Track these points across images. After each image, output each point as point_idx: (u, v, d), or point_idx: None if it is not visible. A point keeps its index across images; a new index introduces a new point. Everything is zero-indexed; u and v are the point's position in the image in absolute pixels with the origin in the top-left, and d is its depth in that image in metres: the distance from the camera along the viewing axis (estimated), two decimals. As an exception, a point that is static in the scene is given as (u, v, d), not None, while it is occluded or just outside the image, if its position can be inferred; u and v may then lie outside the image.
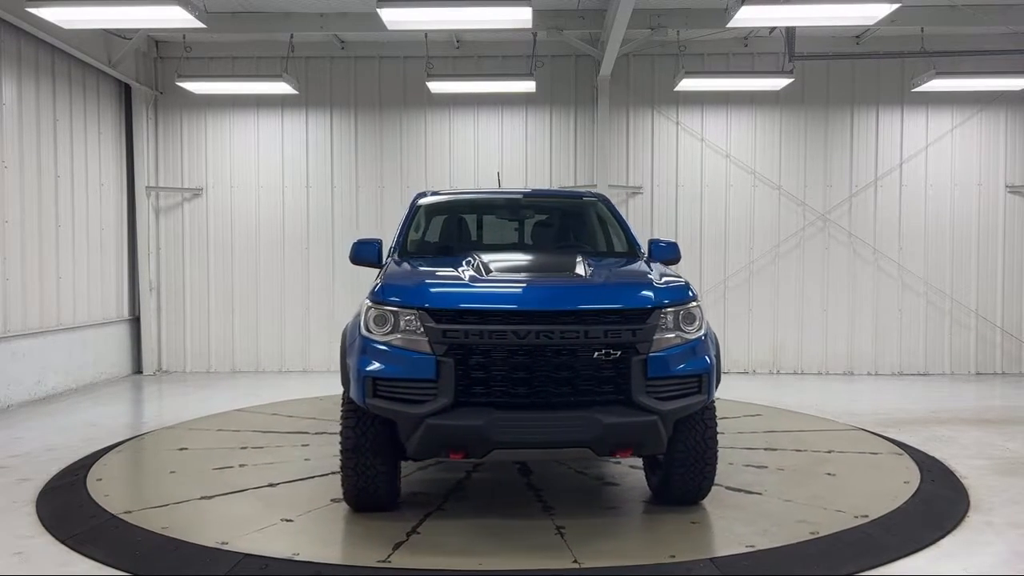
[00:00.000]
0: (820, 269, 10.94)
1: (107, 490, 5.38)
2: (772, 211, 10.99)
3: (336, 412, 7.74)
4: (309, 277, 11.12)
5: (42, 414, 8.21)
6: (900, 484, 5.52)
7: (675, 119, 10.99)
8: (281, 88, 10.16)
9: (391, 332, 4.36)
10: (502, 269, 4.89)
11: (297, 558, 4.20)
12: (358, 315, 4.68)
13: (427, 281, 4.65)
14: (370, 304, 4.49)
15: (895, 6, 7.38)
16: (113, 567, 4.14)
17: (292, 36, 10.24)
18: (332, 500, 5.12)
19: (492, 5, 7.52)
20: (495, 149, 11.09)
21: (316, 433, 7.13)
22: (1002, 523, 4.83)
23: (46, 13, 7.45)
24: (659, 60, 10.87)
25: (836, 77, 10.92)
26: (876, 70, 10.82)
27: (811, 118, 10.99)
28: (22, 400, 8.72)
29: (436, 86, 10.22)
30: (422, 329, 4.27)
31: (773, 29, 10.14)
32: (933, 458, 6.31)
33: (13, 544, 4.48)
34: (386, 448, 4.58)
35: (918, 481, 5.59)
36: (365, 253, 5.67)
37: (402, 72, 11.05)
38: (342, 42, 10.87)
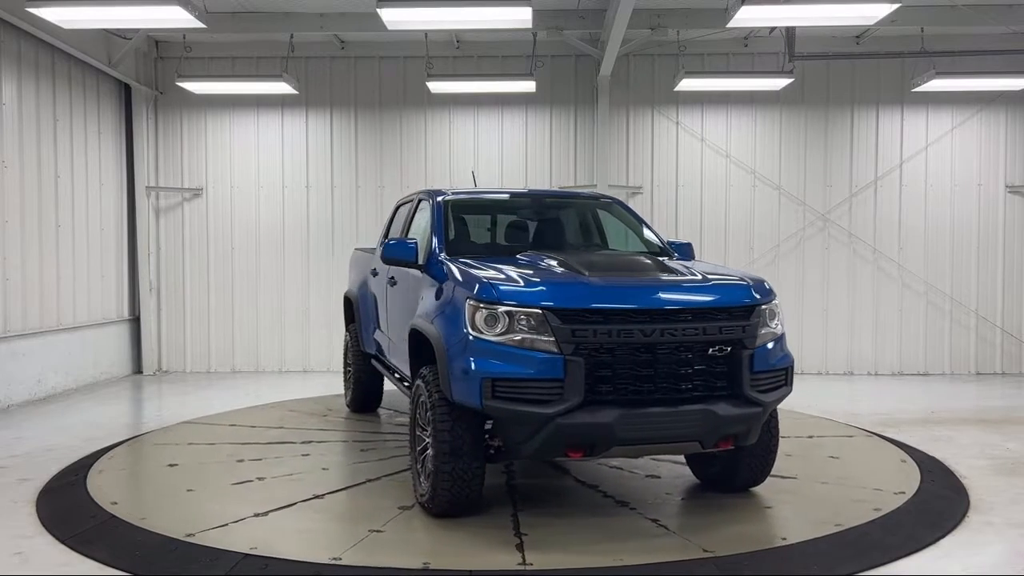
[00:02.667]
0: (820, 269, 10.94)
1: (107, 490, 5.38)
2: (772, 211, 10.99)
3: (334, 413, 7.83)
4: (309, 277, 11.12)
5: (42, 414, 8.21)
6: (900, 484, 5.51)
7: (675, 119, 10.99)
8: (281, 88, 10.15)
9: (506, 332, 4.31)
10: (590, 269, 4.79)
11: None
12: (436, 315, 4.65)
13: (548, 280, 4.58)
14: (479, 303, 4.41)
15: (895, 6, 7.38)
16: (113, 567, 4.15)
17: (292, 36, 10.23)
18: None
19: (492, 5, 7.52)
20: (495, 149, 11.09)
21: (319, 429, 7.15)
22: (1002, 523, 4.83)
23: (46, 13, 7.45)
24: (659, 60, 10.87)
25: (836, 77, 10.91)
26: (876, 70, 10.82)
27: (811, 118, 10.99)
28: (22, 400, 8.72)
29: (436, 86, 10.22)
30: (548, 328, 4.24)
31: (773, 29, 10.14)
32: (933, 458, 6.31)
33: (13, 544, 4.48)
34: (479, 450, 4.57)
35: (918, 481, 5.59)
36: (401, 252, 5.51)
37: (402, 72, 11.05)
38: (342, 42, 10.87)
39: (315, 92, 11.05)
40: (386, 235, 7.23)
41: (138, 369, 11.10)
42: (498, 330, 4.33)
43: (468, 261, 5.15)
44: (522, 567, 4.10)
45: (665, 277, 4.81)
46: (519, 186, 10.76)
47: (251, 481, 5.57)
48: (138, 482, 5.98)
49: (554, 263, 4.98)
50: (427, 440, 4.76)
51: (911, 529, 4.69)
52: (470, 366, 4.32)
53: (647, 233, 6.22)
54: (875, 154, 10.98)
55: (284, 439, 6.80)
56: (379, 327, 6.96)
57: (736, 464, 5.12)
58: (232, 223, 11.18)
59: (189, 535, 4.45)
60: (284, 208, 11.17)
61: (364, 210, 11.02)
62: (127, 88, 10.83)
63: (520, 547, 4.36)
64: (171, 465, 6.07)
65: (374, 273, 7.06)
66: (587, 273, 4.68)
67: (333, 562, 4.16)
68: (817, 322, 10.96)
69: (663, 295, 4.56)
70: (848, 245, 10.96)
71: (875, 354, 10.98)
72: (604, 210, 6.57)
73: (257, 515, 4.83)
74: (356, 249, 8.56)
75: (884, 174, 10.96)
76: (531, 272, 4.77)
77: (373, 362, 7.36)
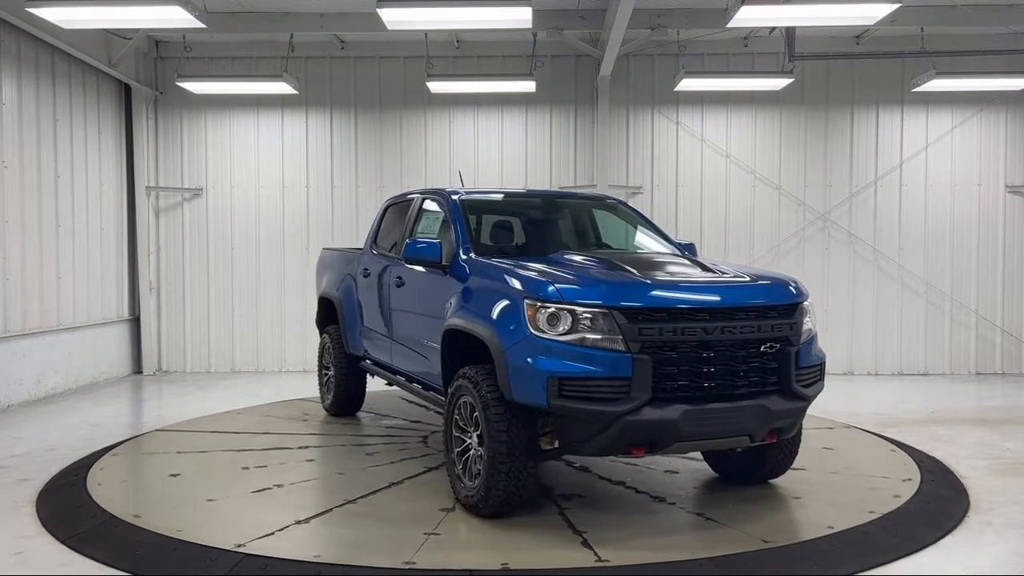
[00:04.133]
0: (820, 269, 10.94)
1: (107, 490, 5.38)
2: (772, 211, 10.99)
3: (313, 417, 7.69)
4: (309, 277, 11.11)
5: (42, 414, 8.21)
6: (900, 484, 5.52)
7: (675, 119, 10.99)
8: (281, 88, 10.15)
9: (570, 331, 4.33)
10: (638, 269, 4.86)
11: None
12: (489, 317, 4.64)
13: (611, 280, 4.61)
14: (540, 303, 4.42)
15: (895, 6, 7.38)
16: (113, 567, 4.14)
17: (292, 36, 10.23)
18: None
19: (492, 5, 7.52)
20: (495, 149, 11.09)
21: (308, 434, 7.12)
22: (1002, 523, 4.83)
23: (46, 13, 7.45)
24: (659, 60, 10.87)
25: (836, 77, 10.92)
26: (876, 70, 10.82)
27: (811, 118, 10.99)
28: (22, 400, 8.72)
29: (436, 86, 10.22)
30: (615, 327, 4.28)
31: (773, 29, 10.14)
32: (933, 458, 6.31)
33: (13, 544, 4.48)
34: (534, 448, 4.60)
35: (918, 481, 5.59)
36: (427, 253, 5.45)
37: (402, 72, 11.05)
38: (342, 42, 10.87)
39: (315, 92, 11.05)
40: (375, 236, 7.12)
41: (138, 369, 11.10)
42: (561, 329, 4.35)
43: (508, 260, 5.17)
44: (600, 564, 4.13)
45: (713, 277, 4.90)
46: (519, 186, 10.76)
47: (270, 488, 5.41)
48: (138, 482, 5.97)
49: (597, 263, 5.06)
50: (469, 441, 4.80)
51: (911, 529, 4.69)
52: (534, 366, 4.33)
53: (656, 234, 6.33)
54: (875, 154, 10.98)
55: (278, 445, 6.63)
56: (373, 329, 6.86)
57: (762, 457, 5.28)
58: (232, 223, 11.18)
59: (239, 545, 4.30)
60: (284, 208, 11.17)
61: (364, 210, 11.01)
62: (127, 88, 10.83)
63: (586, 544, 4.40)
64: (172, 466, 6.06)
65: (365, 274, 6.98)
66: (637, 272, 4.75)
67: (332, 562, 4.15)
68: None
69: (722, 294, 4.65)
70: (848, 245, 10.96)
71: (875, 354, 10.98)
72: (616, 210, 6.65)
73: (299, 522, 4.72)
74: (325, 249, 8.46)
75: (884, 174, 10.96)
76: (585, 271, 4.82)
77: (364, 364, 7.24)
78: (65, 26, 8.09)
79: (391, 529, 4.66)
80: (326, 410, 7.91)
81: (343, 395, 7.63)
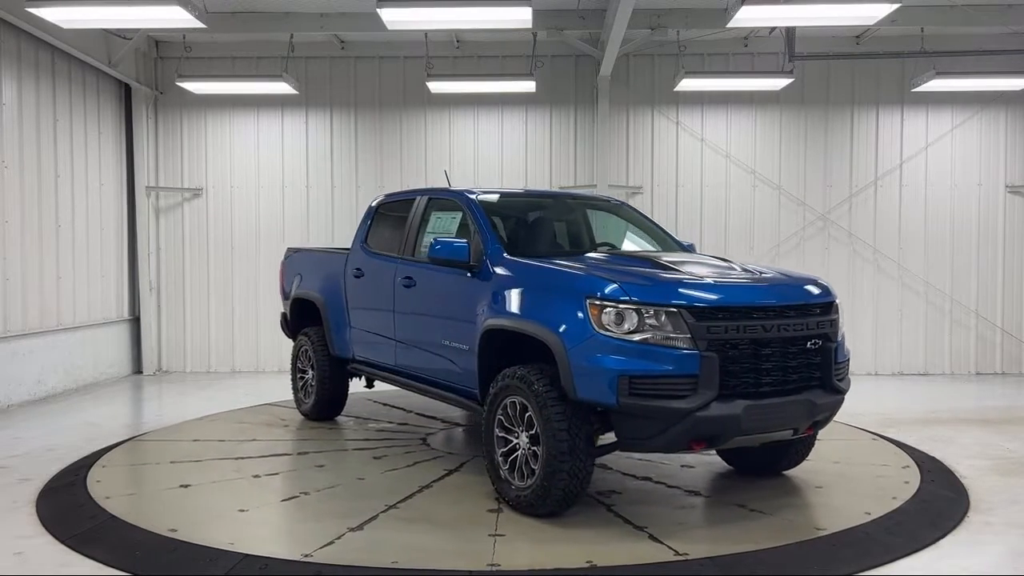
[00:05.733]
0: (820, 269, 10.92)
1: (107, 490, 5.37)
2: (772, 211, 10.99)
3: (294, 423, 7.51)
4: (309, 277, 11.11)
5: (42, 414, 8.21)
6: (900, 484, 5.52)
7: (675, 119, 10.99)
8: (281, 88, 10.16)
9: (636, 330, 4.40)
10: (682, 269, 4.97)
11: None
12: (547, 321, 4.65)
13: (678, 279, 4.70)
14: (605, 302, 4.47)
15: (895, 6, 7.38)
16: (113, 567, 4.14)
17: (292, 36, 10.24)
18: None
19: (492, 5, 7.52)
20: (495, 149, 11.09)
21: (301, 439, 7.11)
22: (1002, 523, 4.83)
23: (46, 13, 7.45)
24: (659, 60, 10.87)
25: (836, 77, 10.92)
26: (876, 70, 10.82)
27: (811, 118, 10.99)
28: (22, 400, 8.72)
29: (436, 86, 10.22)
30: (683, 326, 4.37)
31: (773, 29, 10.14)
32: (933, 458, 6.31)
33: (13, 544, 4.48)
34: (592, 446, 4.67)
35: (918, 481, 5.59)
36: (454, 253, 5.41)
37: (402, 72, 11.05)
38: (342, 42, 10.87)
39: (315, 92, 11.05)
40: (366, 236, 6.99)
41: (138, 369, 11.10)
42: (627, 328, 4.41)
43: (552, 260, 5.22)
44: (682, 557, 4.21)
45: (755, 276, 5.04)
46: (518, 187, 10.76)
47: (297, 496, 5.23)
48: (138, 482, 5.94)
49: (639, 262, 5.17)
50: (515, 441, 4.83)
51: (911, 529, 4.69)
52: (602, 364, 4.39)
53: (662, 234, 6.47)
54: (875, 154, 10.98)
55: (275, 451, 6.42)
56: (369, 330, 6.74)
57: (782, 450, 5.49)
58: (232, 223, 11.18)
59: (307, 555, 4.19)
60: (284, 208, 11.17)
61: (364, 210, 10.99)
62: (127, 88, 10.83)
63: (654, 538, 4.47)
64: (172, 466, 6.06)
65: (358, 274, 6.86)
66: (685, 272, 4.87)
67: (333, 563, 4.16)
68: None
69: (775, 293, 4.83)
70: (848, 245, 10.96)
71: (875, 354, 10.98)
72: (621, 211, 6.73)
73: (351, 529, 4.59)
74: (293, 249, 8.21)
75: (884, 174, 10.96)
76: (639, 271, 4.90)
77: (353, 367, 7.10)
78: (65, 26, 8.10)
79: (451, 532, 4.58)
80: (304, 415, 7.64)
81: (326, 399, 7.39)
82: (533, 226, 6.21)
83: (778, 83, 10.12)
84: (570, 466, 4.54)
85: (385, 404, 8.30)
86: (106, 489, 5.40)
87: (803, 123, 11.00)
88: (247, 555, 4.20)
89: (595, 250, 6.05)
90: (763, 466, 5.68)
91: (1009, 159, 10.96)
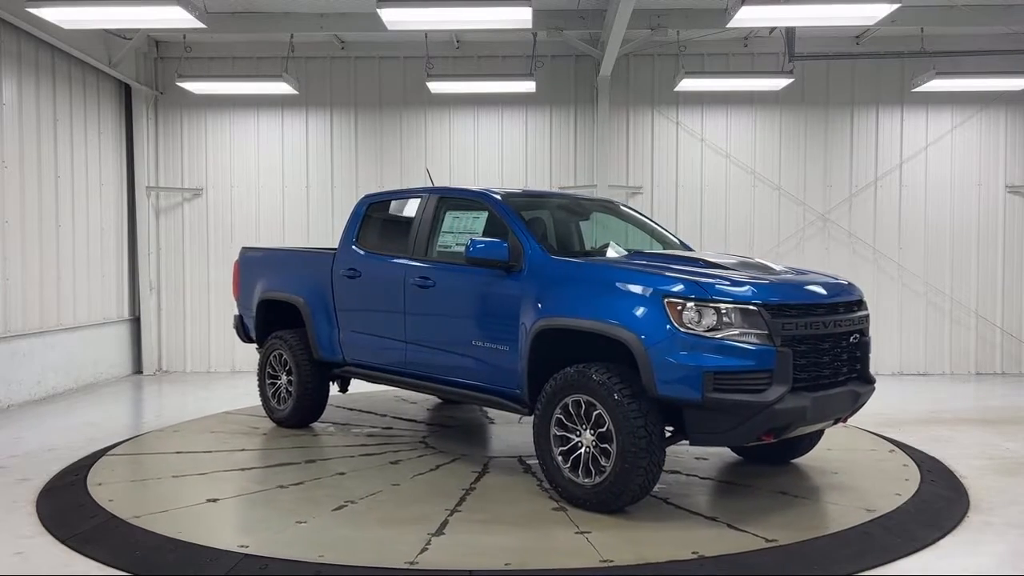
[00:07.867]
0: (820, 269, 10.91)
1: (107, 490, 5.37)
2: (772, 211, 10.99)
3: (272, 431, 7.28)
4: (309, 277, 11.11)
5: (42, 414, 8.21)
6: (900, 484, 5.52)
7: (675, 119, 10.99)
8: (281, 88, 10.16)
9: (716, 328, 4.53)
10: (732, 267, 5.17)
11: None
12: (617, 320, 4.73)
13: (755, 279, 4.88)
14: (685, 301, 4.57)
15: (895, 6, 7.38)
16: (113, 567, 4.14)
17: (292, 36, 10.24)
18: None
19: (492, 5, 7.52)
20: (495, 149, 11.09)
21: (293, 447, 7.10)
22: (1001, 523, 4.84)
23: (46, 13, 7.45)
24: (659, 60, 10.87)
25: (836, 77, 10.92)
26: (876, 70, 10.82)
27: (811, 118, 10.99)
28: (22, 400, 8.72)
29: (436, 86, 10.22)
30: (761, 323, 4.56)
31: (773, 29, 10.14)
32: (933, 458, 6.32)
33: (13, 544, 4.48)
34: (664, 441, 4.81)
35: (918, 481, 5.59)
36: (493, 253, 5.37)
37: (402, 72, 11.05)
38: (342, 42, 10.87)
39: (315, 92, 11.06)
40: (357, 235, 6.82)
41: (138, 369, 11.11)
42: (707, 325, 4.54)
43: (613, 259, 5.47)
44: (772, 543, 4.37)
45: (804, 275, 5.35)
46: (518, 187, 10.76)
47: (346, 505, 4.99)
48: (138, 482, 5.92)
49: (688, 261, 5.29)
50: (577, 439, 4.89)
51: (911, 529, 4.69)
52: (687, 361, 4.52)
53: (669, 236, 6.66)
54: (875, 154, 10.98)
55: (284, 460, 6.06)
56: (371, 332, 6.58)
57: (797, 440, 5.64)
58: (232, 223, 11.18)
59: (411, 563, 4.09)
60: (284, 208, 11.17)
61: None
62: (127, 88, 10.83)
63: (733, 526, 4.63)
64: (172, 466, 6.04)
65: (352, 275, 6.66)
66: (737, 271, 5.06)
67: (333, 562, 4.14)
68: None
69: (829, 291, 5.10)
70: (848, 245, 10.96)
71: (875, 354, 10.91)
72: (619, 211, 6.81)
73: (431, 534, 4.49)
74: (250, 249, 7.96)
75: (884, 174, 10.96)
76: (711, 272, 5.00)
77: (346, 370, 6.87)
78: (65, 26, 8.10)
79: (534, 532, 4.56)
80: (277, 422, 7.25)
81: (306, 404, 7.06)
82: (557, 227, 6.22)
83: (778, 83, 10.13)
84: (647, 462, 4.65)
85: (352, 409, 8.01)
86: (106, 489, 5.39)
87: (803, 123, 11.00)
88: (247, 555, 4.18)
89: (605, 250, 6.09)
90: (772, 455, 5.92)
91: (1009, 159, 10.96)
